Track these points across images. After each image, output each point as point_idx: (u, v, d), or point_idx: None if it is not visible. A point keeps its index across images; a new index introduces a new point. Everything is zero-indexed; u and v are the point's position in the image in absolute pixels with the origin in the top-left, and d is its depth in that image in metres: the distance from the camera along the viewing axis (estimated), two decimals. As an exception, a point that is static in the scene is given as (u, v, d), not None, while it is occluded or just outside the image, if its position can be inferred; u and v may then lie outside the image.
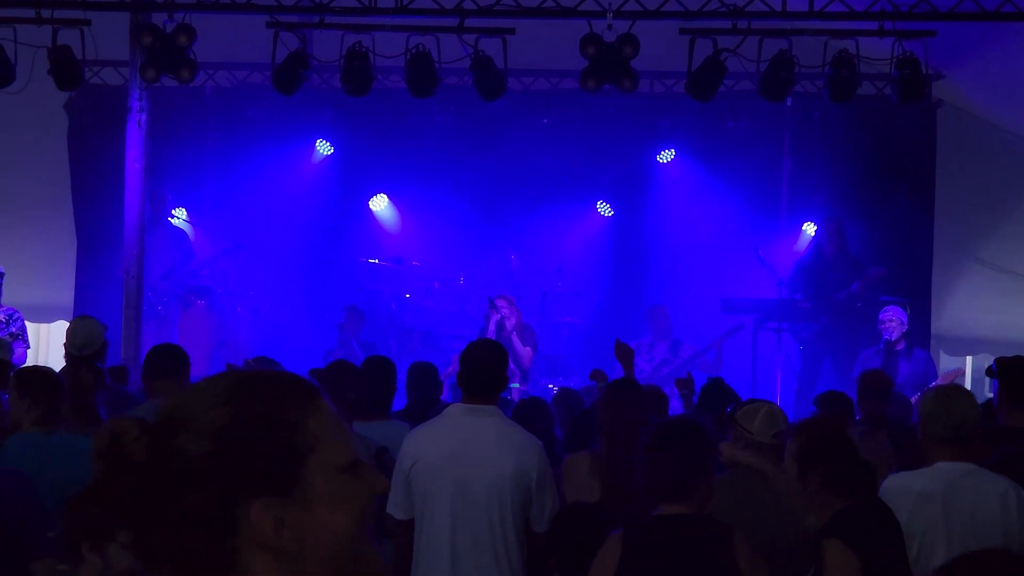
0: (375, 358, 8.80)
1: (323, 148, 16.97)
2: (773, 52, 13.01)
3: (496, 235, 16.65)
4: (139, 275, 13.64)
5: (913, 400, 11.52)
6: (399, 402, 9.77)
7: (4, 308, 13.29)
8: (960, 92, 15.85)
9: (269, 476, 2.09)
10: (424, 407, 9.01)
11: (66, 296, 16.43)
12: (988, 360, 10.11)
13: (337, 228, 17.03)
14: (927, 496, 6.28)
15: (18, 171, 16.60)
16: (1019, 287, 16.36)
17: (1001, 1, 12.53)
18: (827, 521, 5.61)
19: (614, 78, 13.02)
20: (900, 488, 6.40)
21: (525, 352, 14.81)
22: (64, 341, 9.63)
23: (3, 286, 13.26)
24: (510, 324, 14.84)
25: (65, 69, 13.12)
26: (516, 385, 13.96)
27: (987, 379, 8.44)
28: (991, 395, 9.07)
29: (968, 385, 15.46)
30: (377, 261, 16.51)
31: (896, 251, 16.05)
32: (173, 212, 16.27)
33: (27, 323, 13.45)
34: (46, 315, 16.27)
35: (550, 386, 14.88)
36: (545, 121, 16.85)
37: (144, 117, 13.62)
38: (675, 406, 10.76)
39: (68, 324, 10.17)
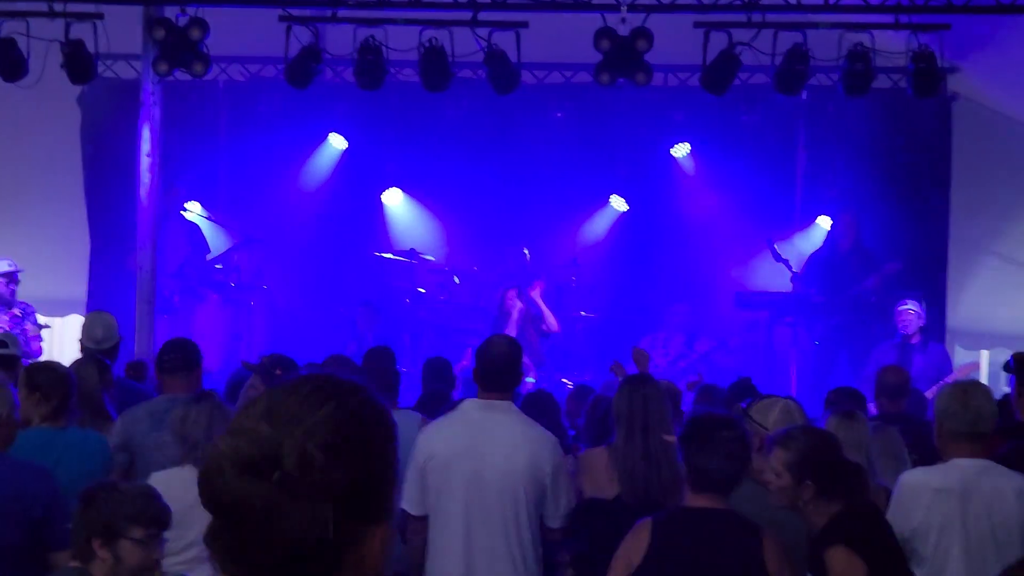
0: (375, 348, 8.79)
1: (336, 142, 16.93)
2: (788, 45, 12.97)
3: (510, 229, 16.61)
4: (152, 269, 13.63)
5: (928, 395, 11.48)
6: (413, 395, 9.76)
7: (19, 303, 13.35)
8: (976, 85, 15.79)
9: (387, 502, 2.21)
10: (436, 402, 8.99)
11: (79, 290, 16.43)
12: (1004, 354, 10.05)
13: (350, 222, 17.00)
14: (944, 492, 6.26)
15: (31, 165, 16.60)
16: (1035, 281, 16.31)
17: (1016, -6, 12.49)
18: (826, 528, 5.61)
19: (628, 72, 12.98)
20: (917, 484, 6.39)
21: (553, 322, 15.09)
22: (80, 335, 9.63)
23: (19, 280, 13.32)
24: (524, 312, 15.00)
25: (78, 63, 13.11)
26: (531, 380, 13.95)
27: (1003, 374, 8.39)
28: (1008, 390, 9.03)
29: (984, 380, 15.39)
30: (391, 255, 16.48)
31: (911, 245, 15.99)
32: (186, 206, 16.26)
33: (40, 317, 13.50)
34: (59, 309, 16.24)
35: (564, 381, 14.86)
36: (559, 115, 16.82)
37: (157, 111, 13.61)
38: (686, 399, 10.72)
39: (84, 318, 10.19)
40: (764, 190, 16.37)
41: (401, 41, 13.30)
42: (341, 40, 13.69)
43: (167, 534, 5.40)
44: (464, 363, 13.90)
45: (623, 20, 12.82)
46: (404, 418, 8.25)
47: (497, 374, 6.92)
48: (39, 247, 15.86)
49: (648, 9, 12.82)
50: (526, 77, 14.89)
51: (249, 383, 8.32)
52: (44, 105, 15.06)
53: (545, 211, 16.68)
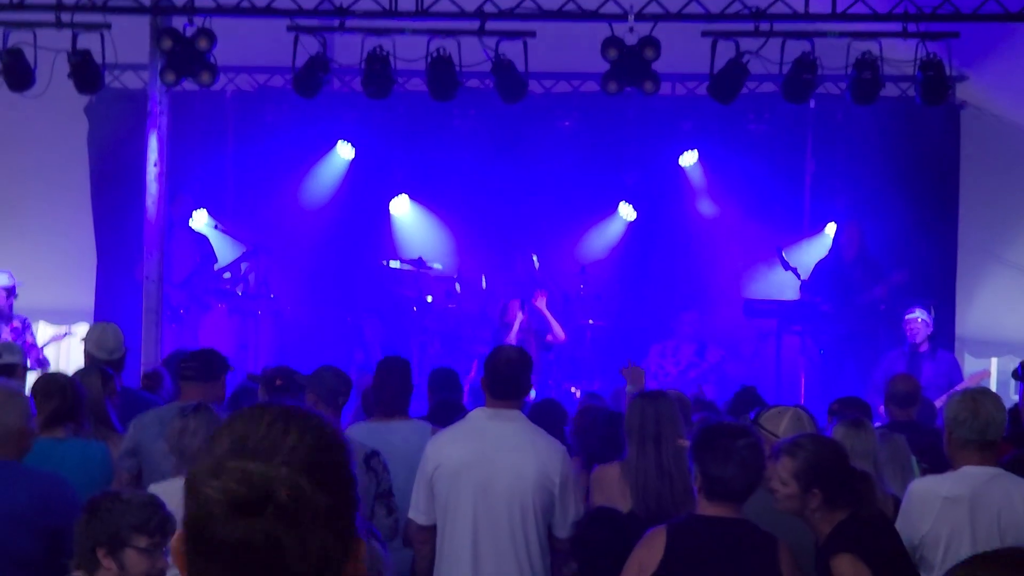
0: (389, 358, 8.77)
1: (344, 151, 16.93)
2: (796, 54, 12.95)
3: (518, 238, 16.60)
4: (159, 279, 13.62)
5: (938, 404, 11.46)
6: (419, 405, 9.74)
7: (17, 315, 13.41)
8: (984, 93, 15.77)
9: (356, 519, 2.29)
10: (447, 412, 8.98)
11: (86, 300, 16.43)
12: (1013, 362, 10.03)
13: (357, 231, 17.00)
14: (953, 500, 6.24)
15: (38, 175, 16.61)
16: (1044, 289, 16.28)
17: (1025, 2, 12.47)
18: (831, 535, 5.59)
19: (636, 80, 12.97)
20: (926, 492, 6.38)
21: (559, 332, 15.12)
22: (87, 346, 9.63)
23: (16, 295, 13.37)
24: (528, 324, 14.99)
25: (85, 73, 13.11)
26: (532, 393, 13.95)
27: (1012, 381, 8.38)
28: (1016, 397, 9.02)
29: (993, 387, 15.36)
30: (398, 264, 16.47)
31: (920, 253, 15.98)
32: (194, 216, 16.27)
33: (48, 326, 13.56)
34: (66, 318, 16.22)
35: (573, 390, 14.85)
36: (566, 124, 16.82)
37: (164, 121, 13.61)
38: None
39: (92, 327, 10.20)
40: (772, 198, 16.36)
41: (409, 51, 13.31)
42: (349, 50, 13.70)
43: None
44: (471, 375, 13.90)
45: (630, 29, 12.81)
46: (415, 428, 8.24)
47: (505, 383, 6.91)
48: (46, 256, 15.88)
49: (655, 18, 12.81)
50: (533, 86, 14.89)
51: (259, 392, 8.34)
52: (51, 115, 15.08)
53: (553, 220, 16.69)
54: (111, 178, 16.29)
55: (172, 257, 14.93)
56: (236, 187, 16.84)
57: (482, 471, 6.78)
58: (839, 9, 12.68)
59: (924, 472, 7.36)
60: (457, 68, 13.22)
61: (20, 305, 13.62)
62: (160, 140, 13.61)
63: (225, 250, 16.38)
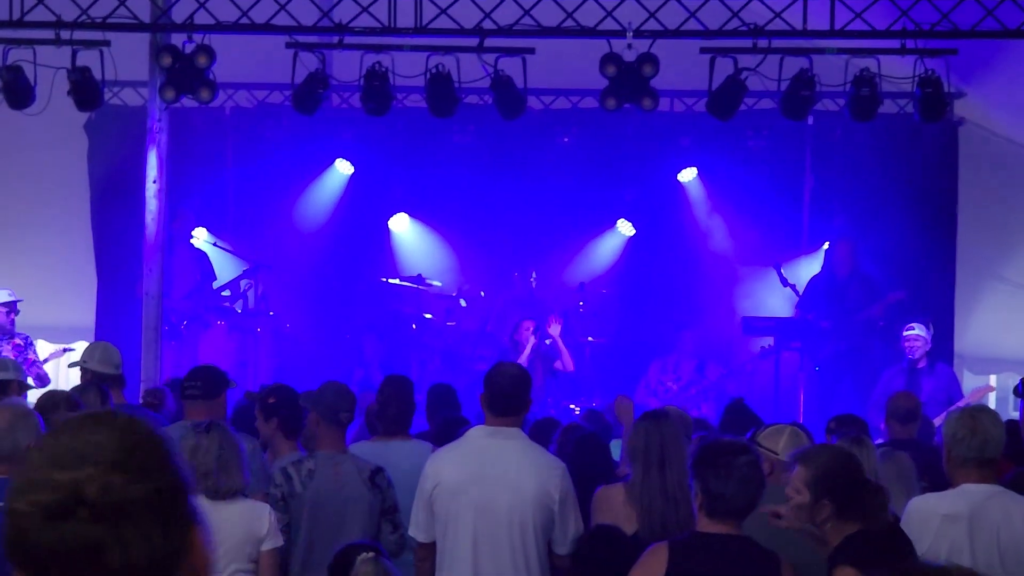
0: (393, 378, 8.77)
1: (343, 167, 16.94)
2: (794, 71, 12.97)
3: (517, 254, 16.61)
4: (159, 296, 13.63)
5: (937, 421, 11.47)
6: (418, 422, 9.73)
7: (19, 333, 13.45)
8: (982, 110, 15.80)
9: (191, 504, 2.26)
10: (453, 428, 8.96)
11: (87, 317, 16.44)
12: (1012, 378, 10.06)
13: (357, 248, 17.01)
14: (953, 518, 6.24)
15: (38, 192, 16.63)
16: (1043, 305, 16.29)
17: (1023, 19, 12.47)
18: (838, 548, 5.59)
19: (634, 97, 12.99)
20: (925, 510, 6.38)
21: (569, 362, 15.11)
22: (90, 364, 9.63)
23: (18, 311, 13.41)
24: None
25: (84, 90, 13.13)
26: None
27: (1012, 398, 8.39)
28: (1016, 414, 9.03)
29: (992, 404, 15.38)
30: (398, 281, 16.47)
31: (919, 270, 16.01)
32: (193, 233, 16.27)
33: (46, 344, 13.58)
34: (67, 336, 16.24)
35: (572, 407, 14.84)
36: (565, 140, 16.83)
37: (164, 138, 13.62)
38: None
39: (92, 345, 10.23)
40: (771, 215, 16.37)
41: (408, 67, 13.32)
42: (348, 66, 13.72)
43: None
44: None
45: (629, 46, 12.83)
46: (416, 448, 8.24)
47: (505, 400, 6.92)
48: (46, 274, 15.89)
49: (654, 35, 12.83)
50: (532, 103, 14.92)
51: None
52: (51, 132, 15.10)
53: (552, 236, 16.69)
54: (111, 195, 16.30)
55: (173, 274, 14.95)
56: (235, 204, 16.85)
57: (482, 489, 6.78)
58: (837, 26, 12.70)
59: (924, 490, 7.36)
60: (456, 84, 13.24)
61: (20, 322, 13.65)
62: (159, 157, 13.63)
63: (224, 268, 16.38)
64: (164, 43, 13.30)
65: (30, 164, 16.48)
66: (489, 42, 12.94)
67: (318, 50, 13.43)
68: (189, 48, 13.08)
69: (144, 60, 13.62)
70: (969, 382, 16.00)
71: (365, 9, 12.92)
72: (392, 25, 12.89)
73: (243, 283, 16.06)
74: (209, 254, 16.28)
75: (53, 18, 12.86)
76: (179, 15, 13.25)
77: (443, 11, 12.82)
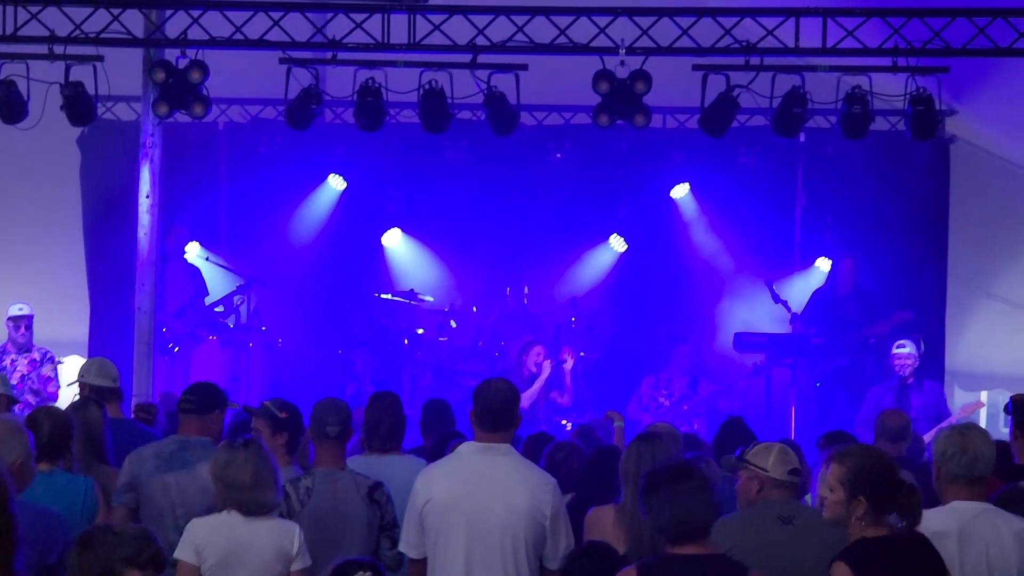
0: (380, 394, 8.77)
1: (336, 183, 16.95)
2: (786, 88, 13.01)
3: (509, 269, 16.63)
4: (151, 311, 13.63)
5: (927, 438, 11.48)
6: (412, 437, 9.74)
7: (37, 347, 13.50)
8: (973, 128, 15.85)
9: None
10: (445, 444, 8.97)
11: (80, 331, 16.43)
12: (1003, 395, 10.10)
13: (349, 263, 17.01)
14: (942, 535, 6.24)
15: (31, 207, 16.63)
16: (1034, 322, 16.33)
17: (1015, 37, 12.54)
18: (847, 547, 5.63)
19: (627, 114, 13.03)
20: (915, 527, 6.38)
21: (570, 399, 15.10)
22: (87, 378, 9.64)
23: (30, 326, 13.46)
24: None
25: (77, 105, 13.15)
26: None
27: (1002, 415, 8.41)
28: (1006, 431, 9.04)
29: (983, 421, 15.41)
30: (390, 296, 16.48)
31: (910, 287, 16.04)
32: (186, 248, 16.27)
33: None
34: (60, 351, 16.23)
35: (564, 423, 14.85)
36: (558, 156, 16.87)
37: (157, 153, 13.64)
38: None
39: (89, 360, 10.25)
40: (763, 231, 16.42)
41: (401, 83, 13.36)
42: (341, 82, 13.75)
43: None
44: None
45: (622, 63, 12.87)
46: (409, 463, 8.24)
47: (495, 415, 6.92)
48: (39, 288, 15.87)
49: (646, 52, 12.87)
50: (525, 119, 14.95)
51: (252, 425, 8.32)
52: (44, 147, 15.11)
53: (545, 251, 16.72)
54: (104, 210, 16.28)
55: (166, 289, 14.96)
56: (228, 219, 16.86)
57: (473, 504, 6.78)
58: (829, 44, 12.75)
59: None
60: (449, 100, 13.26)
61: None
62: (152, 172, 13.64)
63: (217, 283, 16.38)
64: (157, 58, 13.32)
65: (23, 179, 16.48)
66: (482, 58, 12.98)
67: (311, 66, 13.46)
68: (182, 63, 13.10)
69: (137, 75, 13.63)
70: (960, 399, 16.04)
71: (359, 25, 12.95)
72: (385, 41, 12.93)
73: (236, 298, 16.06)
74: (202, 269, 16.28)
75: (46, 33, 12.87)
76: (173, 30, 13.27)
77: (436, 27, 12.87)
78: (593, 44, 12.89)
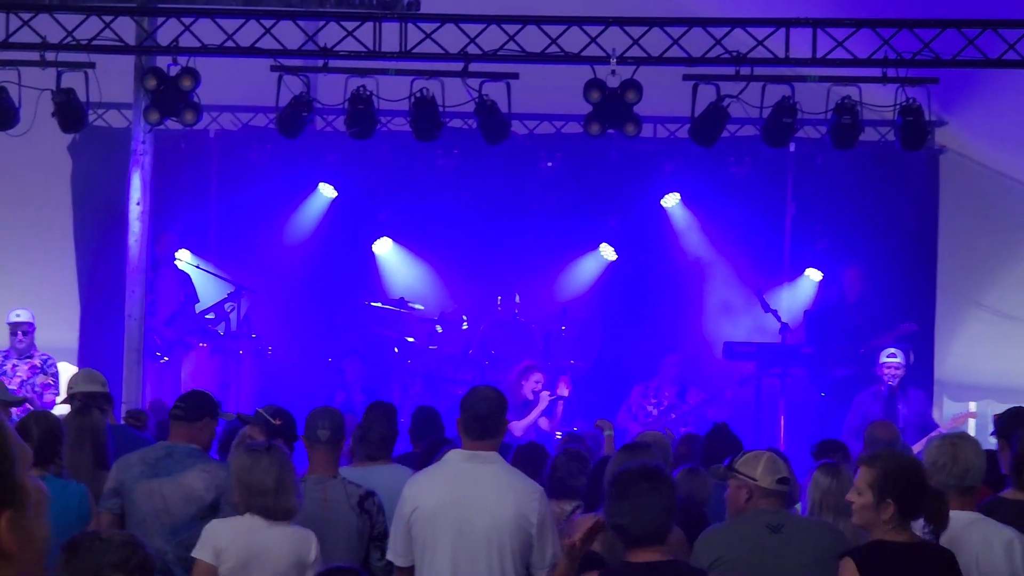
0: (377, 403, 8.79)
1: (326, 191, 16.95)
2: (776, 98, 13.04)
3: (500, 277, 16.64)
4: (141, 317, 13.63)
5: (916, 447, 11.51)
6: (401, 444, 9.74)
7: (39, 354, 13.51)
8: (963, 139, 15.89)
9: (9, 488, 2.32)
10: (435, 452, 8.98)
11: (70, 338, 16.42)
12: (992, 405, 10.10)
13: (340, 271, 17.01)
14: (932, 544, 6.26)
15: (22, 213, 16.64)
16: (1022, 333, 16.36)
17: (1004, 48, 12.57)
18: (858, 547, 5.67)
19: (618, 123, 13.05)
20: (904, 536, 6.39)
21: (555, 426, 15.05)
22: (77, 388, 9.64)
23: (30, 332, 13.49)
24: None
25: (69, 112, 13.15)
26: None
27: (991, 426, 8.43)
28: (995, 440, 9.05)
29: (972, 431, 15.43)
30: (379, 304, 16.49)
31: (899, 297, 16.06)
32: (177, 255, 16.27)
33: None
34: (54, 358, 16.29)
35: (555, 432, 14.84)
36: (549, 165, 16.87)
37: (148, 160, 13.64)
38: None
39: (76, 372, 10.26)
40: (753, 241, 16.45)
41: (392, 91, 13.37)
42: (332, 90, 13.76)
43: None
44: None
45: (613, 72, 12.90)
46: (397, 472, 8.25)
47: (481, 423, 6.92)
48: (29, 295, 15.85)
49: (637, 61, 12.90)
50: (516, 127, 14.98)
51: (244, 432, 8.31)
52: (35, 153, 15.10)
53: (535, 260, 16.73)
54: (94, 216, 16.29)
55: (157, 296, 14.95)
56: (219, 226, 16.85)
57: (460, 512, 6.78)
58: (819, 54, 12.78)
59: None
60: (440, 109, 13.28)
61: (2, 343, 13.69)
62: (143, 179, 13.65)
63: (208, 290, 16.37)
64: (149, 65, 13.33)
65: (14, 185, 16.48)
66: (473, 67, 12.99)
67: (303, 73, 13.47)
68: (174, 71, 13.11)
69: (129, 82, 13.65)
70: (948, 409, 16.08)
71: (350, 33, 12.97)
72: (377, 49, 12.94)
73: (227, 305, 16.06)
74: (192, 276, 16.27)
75: (38, 40, 12.88)
76: (164, 38, 13.28)
77: (428, 36, 12.88)
78: (584, 53, 12.91)
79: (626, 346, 16.77)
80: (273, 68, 13.26)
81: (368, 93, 13.25)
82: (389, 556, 7.03)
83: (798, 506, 7.58)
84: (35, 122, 13.15)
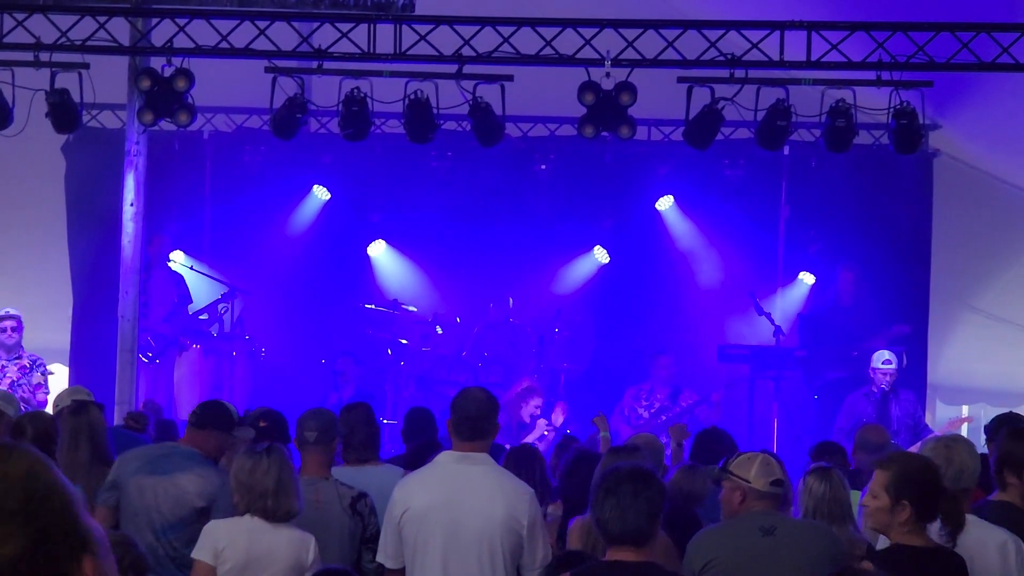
0: (352, 405, 8.78)
1: (320, 193, 16.95)
2: (770, 101, 13.05)
3: (494, 280, 16.64)
4: (134, 319, 13.61)
5: (908, 448, 11.52)
6: (395, 446, 9.75)
7: (27, 354, 13.50)
8: (957, 142, 15.90)
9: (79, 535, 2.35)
10: (428, 453, 8.97)
11: (62, 339, 16.39)
12: (985, 408, 10.12)
13: (334, 273, 17.00)
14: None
15: (15, 214, 16.62)
16: (1015, 336, 16.39)
17: (998, 52, 12.58)
18: (878, 551, 5.68)
19: (612, 125, 13.05)
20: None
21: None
22: (64, 401, 9.61)
23: (19, 331, 13.48)
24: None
25: (63, 112, 13.14)
26: None
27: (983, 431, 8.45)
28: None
29: (965, 434, 15.45)
30: (373, 306, 16.49)
31: (893, 300, 16.07)
32: (171, 256, 16.26)
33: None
34: (43, 358, 16.26)
35: (546, 432, 14.82)
36: (543, 167, 16.87)
37: (141, 161, 13.63)
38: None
39: (59, 394, 10.25)
40: (747, 244, 16.45)
41: (386, 93, 13.36)
42: (326, 91, 13.75)
43: None
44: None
45: (607, 74, 12.90)
46: (388, 473, 8.25)
47: (472, 424, 6.92)
48: (22, 295, 15.85)
49: (632, 64, 12.90)
50: (511, 129, 14.98)
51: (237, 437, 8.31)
52: (28, 154, 15.09)
53: (529, 262, 16.74)
54: (88, 217, 16.26)
55: (151, 297, 14.93)
56: (213, 227, 16.84)
57: (451, 514, 6.79)
58: (814, 57, 12.79)
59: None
60: (434, 110, 13.27)
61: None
62: (137, 180, 13.63)
63: (201, 291, 16.36)
64: (143, 66, 13.31)
65: (7, 186, 16.47)
66: (468, 69, 12.99)
67: (297, 75, 13.47)
68: (168, 72, 13.10)
69: (123, 83, 13.63)
70: (941, 412, 16.08)
71: (344, 35, 12.97)
72: (371, 51, 12.94)
73: (220, 306, 16.05)
74: (186, 277, 16.26)
75: (32, 40, 12.87)
76: (158, 39, 13.28)
77: (422, 38, 12.88)
78: (579, 56, 12.92)
79: (620, 349, 16.76)
80: (267, 69, 13.25)
81: (362, 95, 13.24)
82: (379, 558, 7.03)
83: (790, 510, 7.57)
84: (29, 122, 13.14)
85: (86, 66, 13.03)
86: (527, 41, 12.92)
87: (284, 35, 13.18)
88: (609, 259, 16.99)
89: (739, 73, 12.90)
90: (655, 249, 16.95)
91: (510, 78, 13.10)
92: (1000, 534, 6.35)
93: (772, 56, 12.88)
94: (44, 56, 12.93)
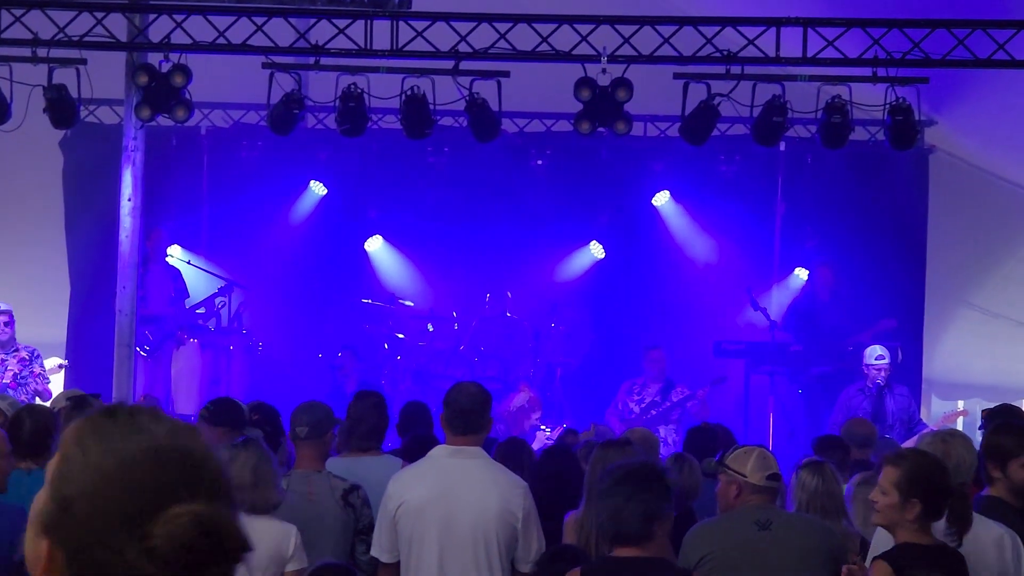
0: (364, 393, 8.80)
1: (317, 189, 16.97)
2: (766, 97, 13.06)
3: (490, 275, 16.66)
4: (132, 313, 13.62)
5: (904, 443, 11.56)
6: (390, 439, 9.76)
7: (24, 346, 13.53)
8: (953, 138, 15.93)
9: None
10: (423, 446, 8.99)
11: (59, 333, 16.41)
12: (980, 404, 10.14)
13: (331, 268, 17.03)
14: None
15: (12, 209, 16.62)
16: (1011, 332, 16.42)
17: (993, 48, 12.60)
18: (888, 551, 5.70)
19: (608, 121, 13.08)
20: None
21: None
22: (60, 401, 9.64)
23: (11, 323, 13.51)
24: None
25: (60, 108, 13.15)
26: None
27: (978, 426, 8.49)
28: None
29: (960, 428, 15.48)
30: (370, 301, 16.51)
31: (888, 296, 16.09)
32: (168, 251, 16.27)
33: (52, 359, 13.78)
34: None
35: (542, 428, 14.86)
36: (539, 163, 16.90)
37: (139, 156, 13.64)
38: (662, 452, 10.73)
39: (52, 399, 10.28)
40: (743, 239, 16.48)
41: (383, 89, 13.38)
42: (323, 87, 13.76)
43: None
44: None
45: (603, 70, 12.91)
46: (387, 463, 8.27)
47: (465, 418, 6.96)
48: (19, 290, 15.85)
49: (628, 60, 12.92)
50: (507, 125, 15.00)
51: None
52: (26, 149, 15.11)
53: (525, 257, 16.76)
54: (85, 212, 16.28)
55: (148, 291, 14.94)
56: (210, 222, 16.86)
57: (445, 507, 6.82)
58: (810, 53, 12.81)
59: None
60: (431, 107, 13.30)
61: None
62: (134, 175, 13.63)
63: (198, 286, 16.38)
64: (140, 62, 13.32)
65: (4, 181, 16.47)
66: (464, 65, 13.01)
67: (294, 71, 13.48)
68: (165, 67, 13.10)
69: (120, 79, 13.64)
70: (937, 407, 16.11)
71: (341, 31, 12.98)
72: (368, 47, 12.95)
73: (217, 300, 16.07)
74: (183, 272, 16.28)
75: (30, 36, 12.88)
76: (156, 34, 13.29)
77: (419, 34, 12.90)
78: (575, 52, 12.94)
79: (616, 343, 16.79)
80: (264, 65, 13.27)
81: (359, 91, 13.27)
82: (374, 552, 7.06)
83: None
84: (26, 118, 13.16)
85: (84, 62, 13.04)
86: (523, 37, 12.93)
87: (281, 31, 13.20)
88: (605, 254, 17.02)
89: (735, 69, 12.93)
90: (651, 244, 16.98)
91: (506, 74, 13.12)
92: (996, 529, 6.37)
93: (768, 52, 12.91)
94: (42, 52, 12.94)
